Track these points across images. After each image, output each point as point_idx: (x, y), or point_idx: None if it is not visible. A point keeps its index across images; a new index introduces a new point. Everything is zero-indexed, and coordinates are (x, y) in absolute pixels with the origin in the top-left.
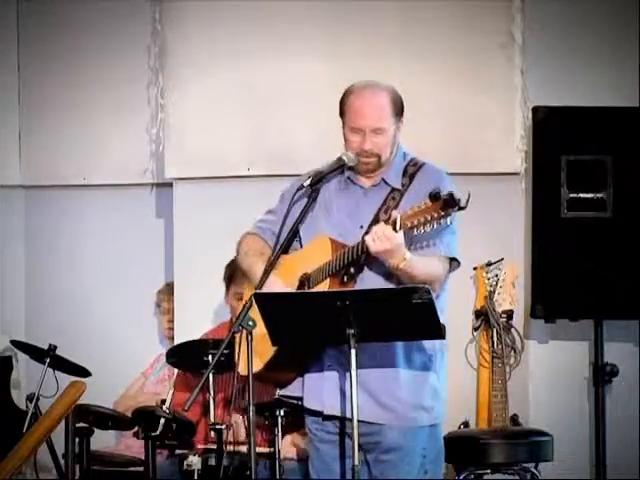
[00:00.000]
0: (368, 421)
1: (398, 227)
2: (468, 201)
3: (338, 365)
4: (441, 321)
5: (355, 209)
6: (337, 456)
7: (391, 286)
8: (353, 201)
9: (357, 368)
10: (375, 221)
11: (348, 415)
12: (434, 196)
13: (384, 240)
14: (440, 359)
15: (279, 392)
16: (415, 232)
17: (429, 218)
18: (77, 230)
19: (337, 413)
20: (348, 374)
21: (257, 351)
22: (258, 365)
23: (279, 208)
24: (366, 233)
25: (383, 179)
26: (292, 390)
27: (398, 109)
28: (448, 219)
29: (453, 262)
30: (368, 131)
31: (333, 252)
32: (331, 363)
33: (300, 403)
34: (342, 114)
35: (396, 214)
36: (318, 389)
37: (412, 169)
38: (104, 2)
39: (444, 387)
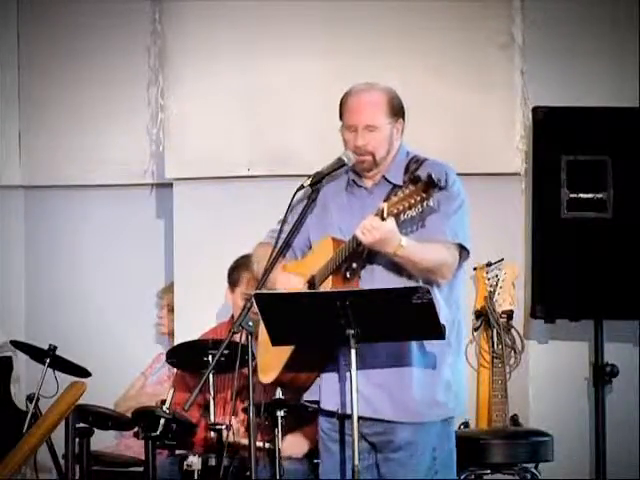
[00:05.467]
0: (382, 419)
1: (385, 215)
2: (447, 181)
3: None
4: (458, 315)
5: (361, 209)
6: (348, 456)
7: (398, 278)
8: (358, 202)
9: (362, 367)
10: None
11: (363, 414)
12: (414, 180)
13: (373, 231)
14: (455, 352)
15: (303, 397)
16: (402, 217)
17: (413, 202)
18: (77, 230)
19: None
20: (362, 373)
21: (269, 361)
22: (272, 375)
23: (290, 216)
24: None
25: (384, 177)
26: (312, 395)
27: (395, 110)
28: (431, 201)
29: (463, 251)
30: (361, 128)
31: (334, 250)
32: (346, 363)
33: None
34: (341, 116)
35: (382, 204)
36: (334, 390)
37: (414, 165)
38: (104, 2)
39: (459, 381)
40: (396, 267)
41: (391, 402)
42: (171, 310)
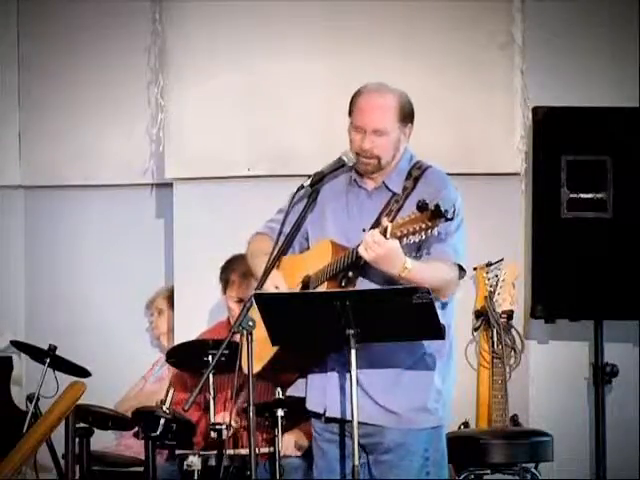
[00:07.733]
0: (370, 423)
1: (388, 235)
2: (454, 212)
3: (341, 367)
4: (450, 324)
5: (359, 211)
6: (341, 456)
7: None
8: (357, 203)
9: (357, 369)
10: (377, 224)
11: (349, 417)
12: (421, 207)
13: (375, 247)
14: (446, 361)
15: (287, 392)
16: (405, 241)
17: (417, 228)
18: (77, 230)
19: (338, 415)
20: (349, 375)
21: (256, 353)
22: (256, 367)
23: (290, 216)
24: None
25: (384, 183)
26: (297, 390)
27: (405, 115)
28: (435, 230)
29: (461, 271)
30: (369, 131)
31: (333, 255)
32: (334, 365)
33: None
34: (350, 113)
35: (386, 222)
36: (321, 391)
37: (417, 172)
38: (104, 2)
39: (448, 389)
40: (386, 277)
41: (380, 408)
42: (160, 313)
